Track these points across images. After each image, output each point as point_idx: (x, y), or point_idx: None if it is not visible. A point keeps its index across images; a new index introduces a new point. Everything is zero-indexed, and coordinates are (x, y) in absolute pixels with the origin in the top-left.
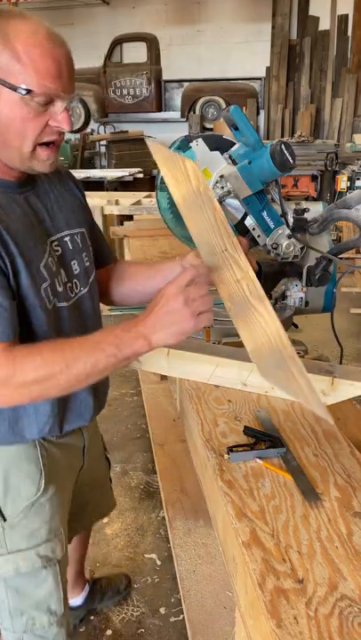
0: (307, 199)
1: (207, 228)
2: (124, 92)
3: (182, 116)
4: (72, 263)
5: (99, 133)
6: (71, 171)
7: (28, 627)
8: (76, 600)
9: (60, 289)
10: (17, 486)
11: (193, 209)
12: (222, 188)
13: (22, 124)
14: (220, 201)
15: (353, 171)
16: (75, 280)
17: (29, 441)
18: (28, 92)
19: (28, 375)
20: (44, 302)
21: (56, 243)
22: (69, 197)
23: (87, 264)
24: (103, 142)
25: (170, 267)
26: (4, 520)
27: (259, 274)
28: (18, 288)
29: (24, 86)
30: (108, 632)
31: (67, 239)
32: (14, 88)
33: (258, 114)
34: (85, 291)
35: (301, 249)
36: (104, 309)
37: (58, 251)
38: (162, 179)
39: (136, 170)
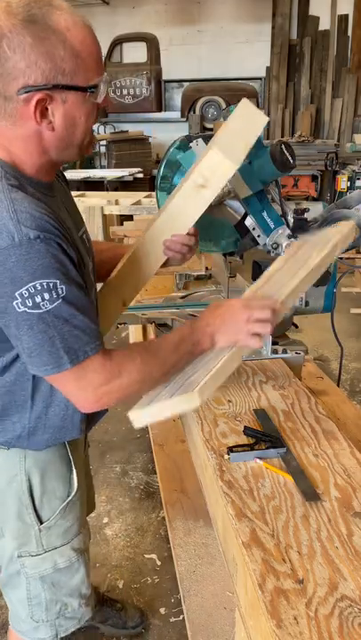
0: (307, 199)
1: None
2: (124, 91)
3: (182, 115)
4: (88, 262)
5: (99, 133)
6: (72, 171)
7: (60, 612)
8: None
9: (93, 290)
10: (52, 489)
11: None
12: (222, 188)
13: (87, 120)
14: (220, 201)
15: (353, 171)
16: (92, 278)
17: (64, 442)
18: (95, 87)
19: (132, 376)
20: (94, 305)
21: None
22: (70, 194)
23: (93, 260)
24: (103, 142)
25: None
26: (41, 523)
27: (259, 274)
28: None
29: (90, 83)
30: None
31: (84, 237)
32: (84, 89)
33: None
34: (98, 287)
35: None
36: None
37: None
38: (162, 178)
39: (136, 170)
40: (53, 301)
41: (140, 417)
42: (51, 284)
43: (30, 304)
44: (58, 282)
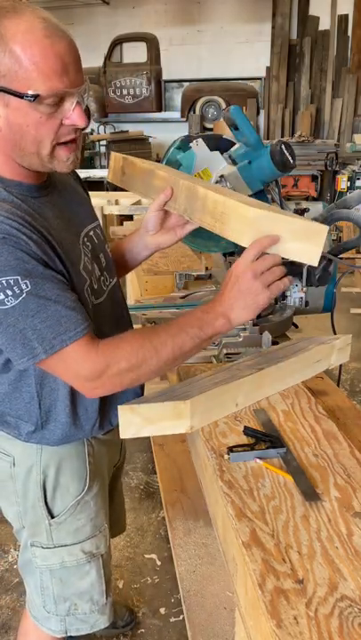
0: (307, 199)
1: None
2: (124, 91)
3: (182, 115)
4: (100, 256)
5: (99, 133)
6: None
7: (70, 611)
8: None
9: (95, 286)
10: (66, 484)
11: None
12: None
13: (36, 130)
14: None
15: (353, 171)
16: (105, 272)
17: (82, 439)
18: (36, 97)
19: (121, 365)
20: (87, 303)
21: (86, 239)
22: (80, 191)
23: (110, 254)
24: (103, 142)
25: (130, 240)
26: (52, 517)
27: None
28: None
29: (30, 92)
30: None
31: (91, 233)
32: (20, 95)
33: (258, 114)
34: (114, 281)
35: None
36: None
37: (88, 246)
38: None
39: None
40: (18, 296)
41: (130, 419)
42: (11, 281)
43: None
44: (19, 278)
